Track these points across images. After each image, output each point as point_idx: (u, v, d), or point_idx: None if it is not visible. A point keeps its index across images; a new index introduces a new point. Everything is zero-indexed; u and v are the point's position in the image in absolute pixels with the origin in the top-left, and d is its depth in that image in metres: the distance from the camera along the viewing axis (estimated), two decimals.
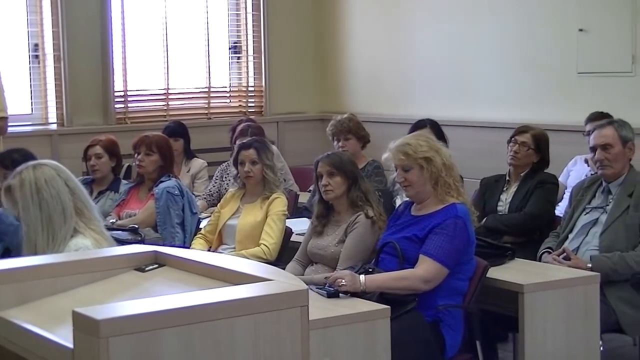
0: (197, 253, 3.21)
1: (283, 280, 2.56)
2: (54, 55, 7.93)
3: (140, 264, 3.00)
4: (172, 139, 6.54)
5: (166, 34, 8.44)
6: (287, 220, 5.50)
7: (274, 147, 7.36)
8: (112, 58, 8.09)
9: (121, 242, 4.67)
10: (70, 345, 2.36)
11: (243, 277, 2.62)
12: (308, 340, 2.50)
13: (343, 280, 4.03)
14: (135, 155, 5.82)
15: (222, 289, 2.54)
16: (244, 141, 5.58)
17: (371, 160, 6.32)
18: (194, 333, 2.36)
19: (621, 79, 6.74)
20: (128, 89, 8.32)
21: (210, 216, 5.75)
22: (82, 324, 2.31)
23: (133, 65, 8.34)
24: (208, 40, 8.69)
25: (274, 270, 2.74)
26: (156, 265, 2.99)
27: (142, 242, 5.07)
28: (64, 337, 2.41)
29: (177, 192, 5.65)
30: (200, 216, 5.99)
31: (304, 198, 6.70)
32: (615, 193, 4.91)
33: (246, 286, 2.51)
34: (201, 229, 5.64)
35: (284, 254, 5.31)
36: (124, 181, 6.26)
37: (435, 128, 6.16)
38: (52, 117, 8.02)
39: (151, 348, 2.31)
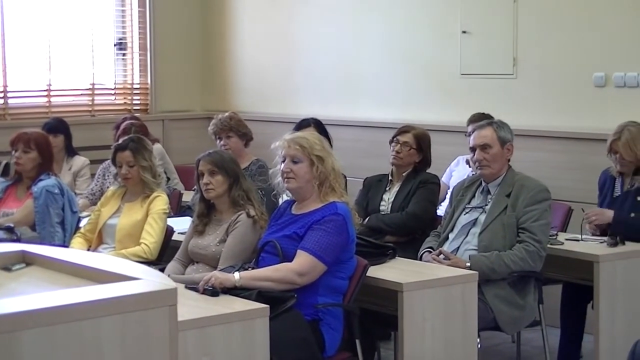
0: (66, 252, 3.12)
1: (151, 279, 2.51)
2: None
3: (7, 264, 2.91)
4: (51, 135, 6.41)
5: (49, 29, 8.25)
6: (169, 219, 5.45)
7: (158, 145, 7.30)
8: None
9: None
10: None
11: (111, 276, 2.56)
12: (177, 340, 2.45)
13: (212, 279, 4.01)
14: (13, 152, 5.67)
15: (87, 288, 2.48)
16: (120, 142, 5.48)
17: (255, 160, 6.28)
18: (57, 334, 2.29)
19: (503, 81, 6.86)
20: (7, 85, 8.09)
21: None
22: None
23: (13, 61, 8.12)
24: (92, 36, 8.52)
25: (143, 269, 2.68)
26: (23, 265, 2.91)
27: (18, 241, 4.94)
28: None
29: (57, 191, 5.53)
30: (82, 215, 5.88)
31: (188, 196, 6.64)
32: (494, 193, 4.98)
33: (112, 285, 2.45)
34: (81, 227, 5.52)
35: (165, 253, 5.25)
36: (0, 179, 6.08)
37: (319, 127, 6.19)
38: None
39: (12, 350, 2.24)
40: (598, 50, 6.35)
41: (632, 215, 5.27)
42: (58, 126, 7.15)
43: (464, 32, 7.04)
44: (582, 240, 5.25)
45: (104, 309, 2.35)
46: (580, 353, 5.43)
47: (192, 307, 3.72)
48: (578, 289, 5.29)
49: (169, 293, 2.43)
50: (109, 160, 6.62)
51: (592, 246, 5.12)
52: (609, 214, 5.23)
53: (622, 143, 5.28)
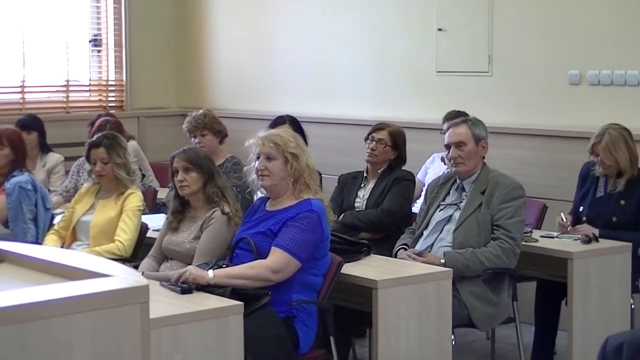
0: (37, 249, 3.10)
1: (123, 276, 2.49)
2: None
3: None
4: (24, 132, 6.39)
5: (23, 25, 8.20)
6: (144, 215, 5.44)
7: (133, 142, 7.27)
8: None
9: None
10: None
11: (82, 273, 2.54)
12: (149, 337, 2.44)
13: (186, 274, 4.00)
14: None
15: (57, 286, 2.46)
16: (94, 139, 5.46)
17: (230, 157, 6.27)
18: (28, 332, 2.28)
19: (478, 79, 6.87)
20: None
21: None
22: None
23: None
24: (67, 32, 8.48)
25: (114, 265, 2.66)
26: None
27: None
28: None
29: (30, 187, 5.51)
30: (56, 212, 5.85)
31: (164, 193, 6.62)
32: (468, 190, 4.99)
33: (83, 282, 2.44)
34: (54, 224, 5.50)
35: (139, 250, 5.23)
36: None
37: (295, 124, 6.19)
38: None
39: None
40: (573, 49, 6.37)
41: (614, 219, 5.29)
42: (31, 123, 7.10)
43: (440, 29, 7.05)
44: (556, 237, 5.27)
45: (74, 306, 2.33)
46: (554, 349, 5.45)
47: (165, 304, 3.70)
48: (552, 286, 5.31)
49: (141, 290, 2.41)
50: (83, 157, 6.59)
51: (566, 243, 5.14)
52: (595, 232, 5.23)
53: (602, 147, 5.28)
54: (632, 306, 5.24)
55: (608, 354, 2.37)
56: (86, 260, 2.78)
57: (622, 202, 5.30)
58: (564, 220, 5.30)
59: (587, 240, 5.10)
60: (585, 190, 5.50)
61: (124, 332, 2.39)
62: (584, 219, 5.38)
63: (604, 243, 5.14)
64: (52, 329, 2.30)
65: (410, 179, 5.72)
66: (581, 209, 5.47)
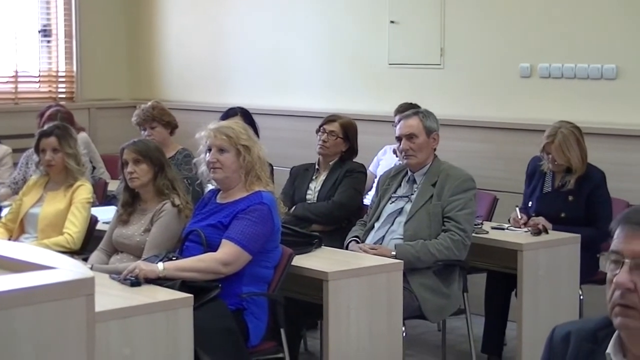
0: None
1: (68, 269, 2.46)
2: None
3: None
4: None
5: None
6: (94, 208, 5.38)
7: (84, 134, 7.20)
8: None
9: None
10: None
11: (26, 265, 2.50)
12: (94, 330, 2.41)
13: (136, 270, 3.96)
14: None
15: (1, 278, 2.42)
16: (44, 128, 5.40)
17: (181, 149, 6.21)
18: None
19: (430, 71, 6.89)
20: None
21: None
22: None
23: None
24: (16, 22, 8.36)
25: (60, 258, 2.63)
26: None
27: None
28: None
29: None
30: (4, 204, 5.77)
31: (114, 186, 6.55)
32: (419, 182, 5.00)
33: (27, 275, 2.40)
34: (2, 217, 5.42)
35: (89, 243, 5.17)
36: None
37: (246, 116, 6.15)
38: None
39: None
40: (524, 42, 6.41)
41: (563, 215, 5.32)
42: None
43: (392, 22, 7.05)
44: (507, 229, 5.30)
45: (17, 299, 2.29)
46: (504, 340, 5.49)
47: (114, 297, 3.67)
48: (502, 278, 5.34)
49: (86, 282, 2.38)
50: (32, 149, 6.52)
51: (516, 235, 5.17)
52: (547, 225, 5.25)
53: (554, 147, 5.31)
54: (581, 297, 5.29)
55: (555, 343, 2.38)
56: (31, 253, 2.74)
57: (571, 198, 5.34)
58: (519, 216, 5.31)
59: (537, 232, 5.14)
60: (533, 187, 5.53)
61: (68, 325, 2.36)
62: (533, 214, 5.41)
63: (553, 235, 5.19)
64: None
65: (361, 171, 5.73)
66: (530, 204, 5.50)
